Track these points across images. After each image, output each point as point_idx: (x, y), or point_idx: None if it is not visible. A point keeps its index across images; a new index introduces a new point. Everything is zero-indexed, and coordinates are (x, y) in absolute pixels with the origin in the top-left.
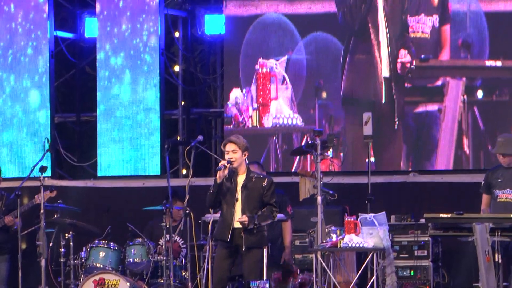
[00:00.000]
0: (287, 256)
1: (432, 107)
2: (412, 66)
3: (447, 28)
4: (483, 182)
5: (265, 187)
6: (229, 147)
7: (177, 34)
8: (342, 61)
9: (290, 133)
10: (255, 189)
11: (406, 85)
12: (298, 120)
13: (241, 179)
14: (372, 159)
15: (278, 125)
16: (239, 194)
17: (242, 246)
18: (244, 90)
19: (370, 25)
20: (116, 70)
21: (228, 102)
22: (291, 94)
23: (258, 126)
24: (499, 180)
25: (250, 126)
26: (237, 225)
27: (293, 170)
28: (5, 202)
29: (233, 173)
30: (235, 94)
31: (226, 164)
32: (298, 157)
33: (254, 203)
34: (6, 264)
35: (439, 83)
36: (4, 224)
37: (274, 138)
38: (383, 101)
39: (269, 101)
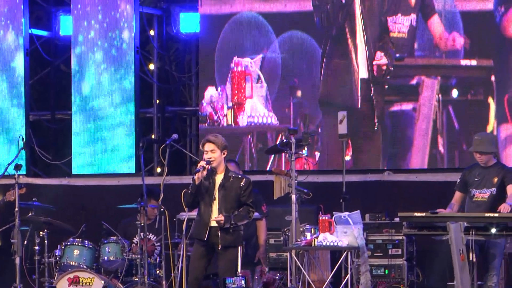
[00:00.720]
0: (262, 255)
1: (407, 106)
2: (390, 68)
3: (434, 20)
4: (459, 180)
5: (243, 187)
6: (208, 146)
7: (152, 33)
8: (320, 64)
9: (264, 131)
10: (233, 189)
11: (385, 86)
12: (273, 119)
13: (219, 178)
14: (348, 158)
15: (253, 124)
16: (216, 194)
17: (218, 245)
18: (219, 89)
19: (347, 30)
20: (91, 68)
21: (203, 101)
22: (266, 93)
23: (233, 125)
24: (476, 179)
25: (225, 124)
26: (213, 224)
27: (267, 169)
28: None
29: (211, 172)
30: (210, 92)
31: (205, 165)
32: (272, 156)
33: (231, 202)
34: None
35: (414, 82)
36: None
37: (249, 136)
38: (359, 103)
39: (244, 100)
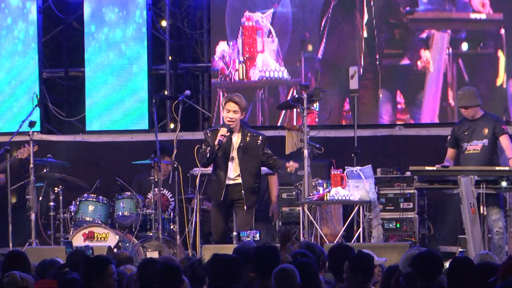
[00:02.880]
0: (274, 209)
1: (417, 60)
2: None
3: None
4: (449, 137)
5: (260, 145)
6: (231, 106)
7: None
8: (324, 22)
9: (276, 86)
10: (251, 148)
11: (389, 37)
12: (284, 73)
13: (236, 138)
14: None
15: (264, 78)
16: (235, 153)
17: (243, 206)
18: (230, 44)
19: None
20: (103, 26)
21: (214, 56)
22: (277, 47)
23: (245, 80)
24: (466, 133)
25: (236, 79)
26: (229, 182)
27: (279, 124)
28: None
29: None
30: (222, 47)
31: (226, 134)
32: (284, 111)
33: (251, 162)
34: None
35: (424, 35)
36: None
37: (261, 91)
38: (362, 58)
39: (255, 54)
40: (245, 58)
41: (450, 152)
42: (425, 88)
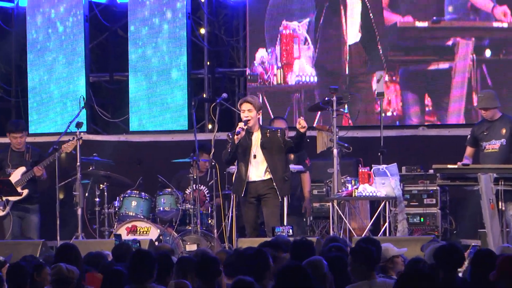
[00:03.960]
0: (307, 205)
1: (444, 65)
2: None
3: None
4: (469, 136)
5: (281, 137)
6: (245, 106)
7: (202, 0)
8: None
9: (312, 89)
10: (273, 143)
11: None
12: (318, 78)
13: (256, 137)
14: (389, 113)
15: (300, 82)
16: (257, 151)
17: (270, 199)
18: (269, 50)
19: None
20: (146, 33)
21: (254, 62)
22: (312, 54)
23: (282, 84)
24: (485, 133)
25: (275, 83)
26: (250, 179)
27: (315, 125)
28: (31, 154)
29: (247, 132)
30: (261, 54)
31: (244, 127)
32: (319, 112)
33: (276, 155)
34: (37, 214)
35: (449, 43)
36: (33, 175)
37: (297, 94)
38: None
39: (292, 60)
40: (282, 64)
41: (469, 150)
42: (451, 91)
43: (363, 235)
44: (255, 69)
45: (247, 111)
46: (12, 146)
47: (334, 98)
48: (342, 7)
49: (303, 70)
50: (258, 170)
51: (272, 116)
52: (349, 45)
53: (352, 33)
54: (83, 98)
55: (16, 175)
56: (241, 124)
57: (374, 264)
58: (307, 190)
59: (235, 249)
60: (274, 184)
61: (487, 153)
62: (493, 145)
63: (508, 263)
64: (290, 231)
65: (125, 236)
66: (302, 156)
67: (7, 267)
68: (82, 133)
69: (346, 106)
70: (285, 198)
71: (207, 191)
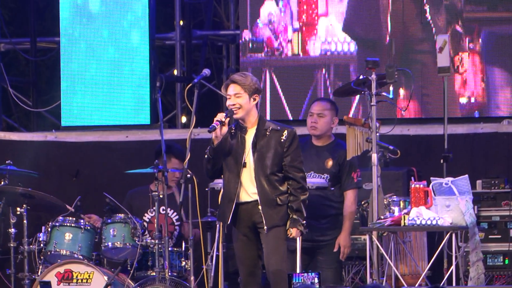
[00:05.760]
0: (342, 242)
1: None
2: None
3: None
4: None
5: (285, 143)
6: (231, 89)
7: None
8: None
9: (345, 63)
10: (271, 146)
11: None
12: (357, 46)
13: (250, 135)
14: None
15: (328, 53)
16: (248, 157)
17: (263, 226)
18: (280, 3)
19: None
20: None
21: (258, 20)
22: (346, 9)
23: (301, 55)
24: None
25: (289, 54)
26: (243, 199)
27: (351, 116)
28: None
29: (241, 127)
30: (268, 9)
31: (223, 119)
32: (357, 99)
33: (271, 167)
34: None
35: None
36: None
37: (324, 71)
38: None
39: (316, 19)
40: (301, 24)
41: None
42: None
43: (417, 285)
44: (260, 31)
45: (234, 97)
46: None
47: (374, 76)
48: None
49: (333, 33)
50: (249, 185)
51: (286, 105)
52: None
53: None
54: None
55: None
56: (220, 116)
57: None
58: (347, 216)
59: None
60: (259, 208)
61: None
62: None
63: None
64: (316, 279)
65: (55, 286)
66: (352, 165)
67: None
68: None
69: (391, 88)
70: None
71: (177, 217)
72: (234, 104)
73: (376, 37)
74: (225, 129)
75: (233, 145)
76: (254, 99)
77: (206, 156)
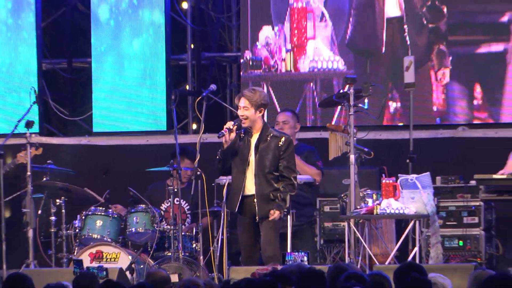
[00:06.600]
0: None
1: (497, 47)
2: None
3: None
4: None
5: (282, 147)
6: (241, 102)
7: None
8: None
9: (330, 78)
10: (270, 150)
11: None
12: (339, 64)
13: (254, 138)
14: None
15: (316, 70)
16: (251, 157)
17: (256, 216)
18: (276, 29)
19: None
20: (112, 8)
21: (257, 43)
22: (331, 33)
23: (293, 71)
24: None
25: (283, 70)
26: (248, 192)
27: (333, 123)
28: None
29: (247, 133)
30: (266, 33)
31: (231, 127)
32: (339, 108)
33: (269, 167)
34: None
35: (505, 19)
36: None
37: (312, 84)
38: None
39: (305, 42)
40: (293, 45)
41: None
42: (506, 81)
43: (386, 263)
44: (258, 52)
45: (243, 109)
46: None
47: (351, 90)
48: None
49: (319, 53)
50: (251, 181)
51: (279, 111)
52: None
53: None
54: (34, 90)
55: None
56: (229, 124)
57: None
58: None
59: (225, 281)
60: (255, 200)
61: None
62: None
63: None
64: (305, 258)
65: (88, 264)
66: (311, 156)
67: None
68: (33, 135)
69: (366, 100)
70: (289, 217)
71: (188, 207)
72: (242, 115)
73: (373, 48)
74: (232, 135)
75: (240, 146)
76: (260, 111)
77: (217, 157)
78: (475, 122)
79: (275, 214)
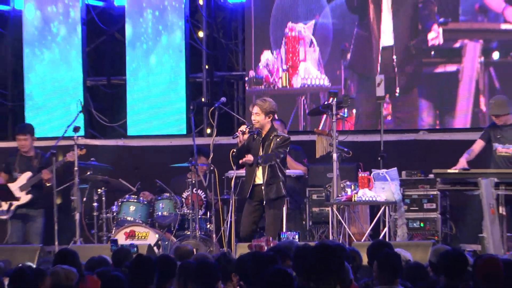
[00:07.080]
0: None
1: (451, 68)
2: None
3: None
4: (483, 131)
5: (279, 142)
6: (254, 109)
7: (201, 2)
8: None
9: (317, 92)
10: (269, 146)
11: (423, 47)
12: (325, 81)
13: (263, 139)
14: (389, 118)
15: (306, 85)
16: (259, 153)
17: (263, 201)
18: (274, 53)
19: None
20: (144, 36)
21: (259, 64)
22: (318, 56)
23: (288, 86)
24: (499, 136)
25: (280, 86)
26: (257, 181)
27: (320, 128)
28: (40, 160)
29: (259, 133)
30: (266, 56)
31: (244, 129)
32: (325, 116)
33: None
34: (41, 218)
35: (457, 45)
36: (40, 180)
37: (303, 97)
38: (395, 67)
39: (298, 63)
40: (288, 66)
41: (479, 143)
42: (458, 95)
43: (362, 240)
44: (260, 71)
45: (255, 114)
46: (20, 150)
47: (334, 102)
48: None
49: (309, 72)
50: (260, 172)
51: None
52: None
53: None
54: (81, 102)
55: (22, 180)
56: (242, 127)
57: (399, 272)
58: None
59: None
60: (262, 188)
61: (499, 156)
62: (506, 149)
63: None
64: (296, 236)
65: (123, 241)
66: (299, 156)
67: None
68: (79, 138)
69: (346, 110)
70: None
71: (204, 195)
72: (254, 120)
73: (341, 74)
74: (245, 136)
75: (253, 144)
76: (269, 117)
77: (233, 153)
78: (434, 127)
79: (250, 157)
